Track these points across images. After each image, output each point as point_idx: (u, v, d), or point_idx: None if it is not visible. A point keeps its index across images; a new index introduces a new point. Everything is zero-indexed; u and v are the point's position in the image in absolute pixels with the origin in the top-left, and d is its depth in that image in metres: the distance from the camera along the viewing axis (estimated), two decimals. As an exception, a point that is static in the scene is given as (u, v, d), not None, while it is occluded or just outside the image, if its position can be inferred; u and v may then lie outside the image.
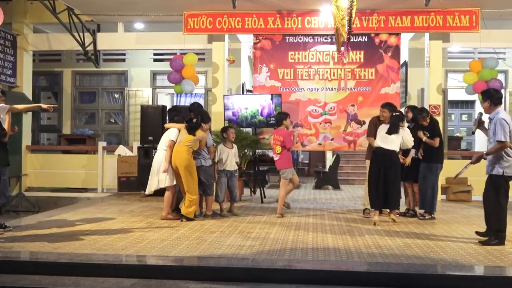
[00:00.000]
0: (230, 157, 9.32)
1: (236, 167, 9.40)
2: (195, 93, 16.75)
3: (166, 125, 8.95)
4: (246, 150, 11.90)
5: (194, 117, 8.57)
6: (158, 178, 8.72)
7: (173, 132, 8.70)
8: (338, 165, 15.33)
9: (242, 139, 11.58)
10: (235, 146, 9.44)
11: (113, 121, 16.89)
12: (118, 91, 17.05)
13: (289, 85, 12.30)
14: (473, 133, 7.45)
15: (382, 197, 8.90)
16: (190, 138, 8.57)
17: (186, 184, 8.55)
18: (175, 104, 17.39)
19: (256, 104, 11.75)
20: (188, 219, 8.90)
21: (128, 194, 12.61)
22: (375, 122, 9.53)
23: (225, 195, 9.59)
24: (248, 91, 14.62)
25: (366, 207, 9.77)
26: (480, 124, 7.34)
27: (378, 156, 8.80)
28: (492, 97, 7.10)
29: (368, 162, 9.47)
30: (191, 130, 8.51)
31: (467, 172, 8.30)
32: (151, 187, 8.81)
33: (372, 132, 9.41)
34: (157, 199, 11.37)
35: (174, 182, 8.78)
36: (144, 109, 12.52)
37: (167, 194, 8.84)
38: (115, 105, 16.79)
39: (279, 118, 9.53)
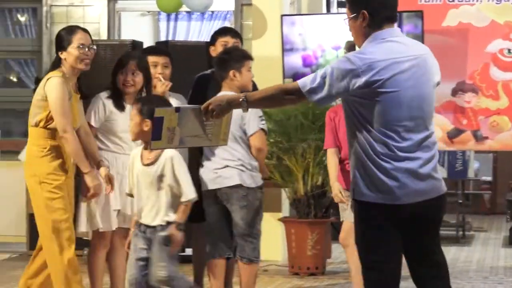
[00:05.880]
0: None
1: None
2: (213, 12, 12.69)
3: None
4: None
5: None
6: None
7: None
8: None
9: (316, 123, 7.50)
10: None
11: (14, 79, 12.92)
12: (26, 8, 12.64)
13: (441, -10, 8.88)
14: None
15: None
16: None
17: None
18: (163, 38, 13.13)
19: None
20: None
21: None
22: None
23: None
24: (343, 3, 10.78)
25: None
26: None
27: None
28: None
29: None
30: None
31: None
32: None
33: None
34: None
35: (114, 226, 5.55)
36: (88, 50, 8.39)
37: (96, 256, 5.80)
38: (20, 42, 12.80)
39: None
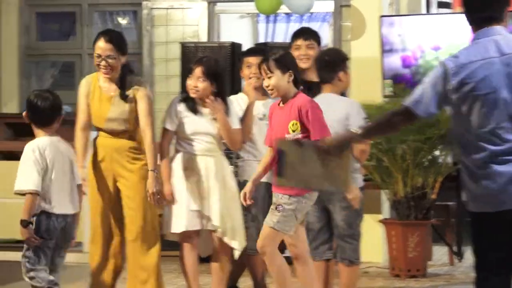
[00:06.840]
0: None
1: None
2: (312, 13, 12.50)
3: None
4: (440, 151, 7.54)
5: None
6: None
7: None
8: None
9: (426, 126, 7.14)
10: None
11: (117, 81, 11.46)
12: (127, 11, 12.28)
13: None
14: None
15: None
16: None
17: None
18: (262, 40, 12.51)
19: (464, 37, 7.31)
20: None
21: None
22: None
23: None
24: (443, 4, 10.29)
25: None
26: None
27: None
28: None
29: None
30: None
31: None
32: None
33: None
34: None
35: (192, 227, 5.41)
36: (188, 51, 8.58)
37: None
38: (123, 44, 11.14)
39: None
